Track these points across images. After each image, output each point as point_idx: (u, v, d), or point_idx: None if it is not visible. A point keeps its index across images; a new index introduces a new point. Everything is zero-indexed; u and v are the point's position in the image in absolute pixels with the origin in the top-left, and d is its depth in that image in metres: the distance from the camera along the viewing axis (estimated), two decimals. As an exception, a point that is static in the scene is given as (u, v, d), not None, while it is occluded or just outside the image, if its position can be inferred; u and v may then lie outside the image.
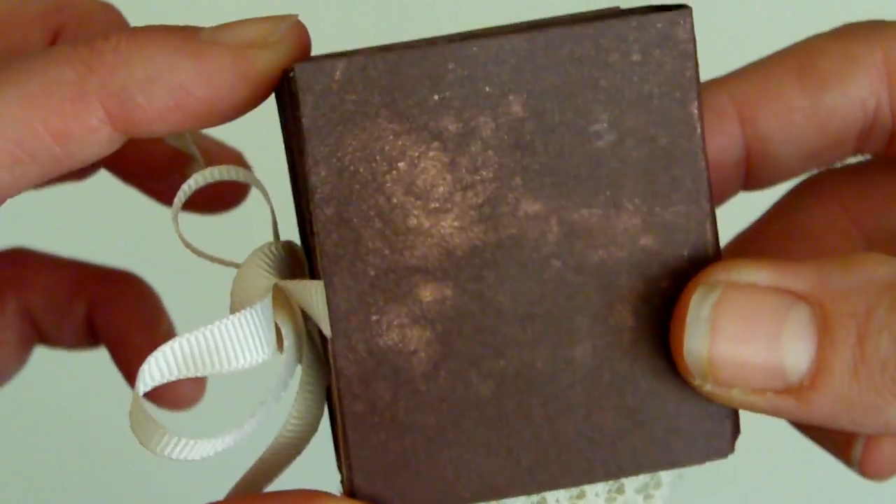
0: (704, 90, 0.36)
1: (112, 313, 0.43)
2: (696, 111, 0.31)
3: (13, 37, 0.37)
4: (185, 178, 0.35)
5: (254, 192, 0.35)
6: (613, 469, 0.32)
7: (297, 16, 0.32)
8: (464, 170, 0.31)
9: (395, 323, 0.31)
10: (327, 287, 0.31)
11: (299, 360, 0.33)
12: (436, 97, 0.31)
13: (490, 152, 0.31)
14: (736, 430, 0.32)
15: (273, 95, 0.32)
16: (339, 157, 0.31)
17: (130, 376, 0.43)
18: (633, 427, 0.32)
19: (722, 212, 0.37)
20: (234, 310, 0.32)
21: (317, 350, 0.33)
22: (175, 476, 0.73)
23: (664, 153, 0.31)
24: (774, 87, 0.36)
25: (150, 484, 0.76)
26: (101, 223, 0.69)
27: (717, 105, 0.37)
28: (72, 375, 0.72)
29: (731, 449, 0.32)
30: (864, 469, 0.37)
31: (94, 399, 0.74)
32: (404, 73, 0.31)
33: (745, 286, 0.31)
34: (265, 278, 0.32)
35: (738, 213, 0.39)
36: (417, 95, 0.31)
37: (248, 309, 0.31)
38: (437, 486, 0.31)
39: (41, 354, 0.46)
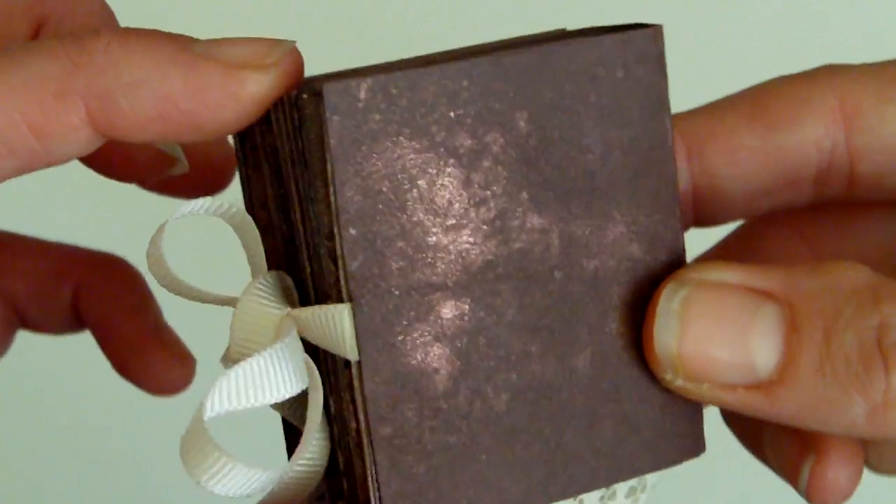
0: None
1: (98, 298, 0.43)
2: (668, 123, 0.33)
3: None
4: (167, 177, 0.36)
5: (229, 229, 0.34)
6: (613, 475, 0.33)
7: (294, 42, 0.31)
8: (477, 185, 0.31)
9: (418, 342, 0.31)
10: (355, 309, 0.30)
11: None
12: (452, 114, 0.31)
13: (500, 168, 0.31)
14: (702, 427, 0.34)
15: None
16: (363, 176, 0.30)
17: (118, 363, 0.43)
18: (629, 433, 0.33)
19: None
20: (236, 343, 0.32)
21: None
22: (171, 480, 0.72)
23: (644, 164, 0.32)
24: (723, 125, 0.37)
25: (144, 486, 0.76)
26: (88, 208, 0.68)
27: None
28: (61, 366, 0.72)
29: (704, 449, 0.34)
30: (810, 496, 0.37)
31: (80, 391, 0.74)
32: (424, 90, 0.30)
33: (715, 284, 0.31)
34: (272, 309, 0.32)
35: (698, 241, 0.40)
36: (436, 113, 0.31)
37: (281, 342, 0.31)
38: (465, 494, 0.32)
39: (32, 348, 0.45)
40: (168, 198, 0.41)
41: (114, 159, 0.38)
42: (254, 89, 0.30)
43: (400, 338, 0.31)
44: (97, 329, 0.43)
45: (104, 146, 0.32)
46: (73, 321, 0.43)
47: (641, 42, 0.32)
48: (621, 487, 0.33)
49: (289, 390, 0.31)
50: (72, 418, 0.76)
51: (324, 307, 0.31)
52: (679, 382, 0.32)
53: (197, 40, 0.31)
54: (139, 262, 0.43)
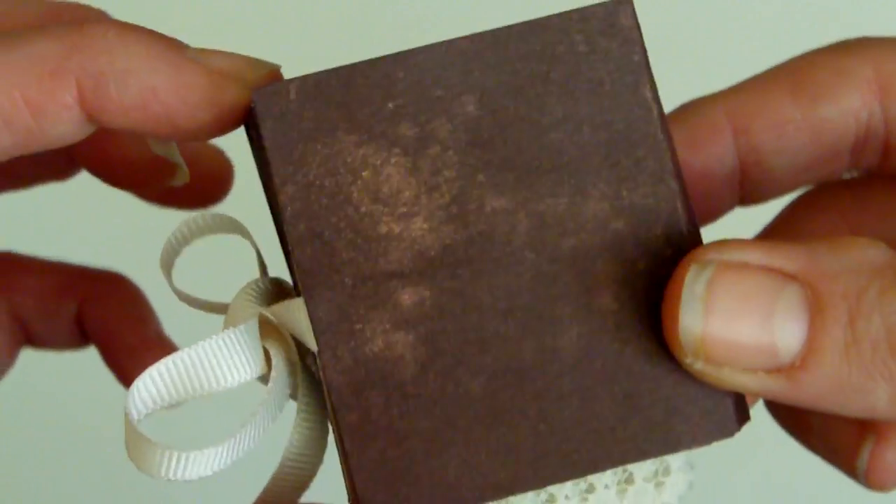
0: (699, 105, 0.37)
1: (102, 313, 0.44)
2: (648, 94, 0.32)
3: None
4: (169, 185, 0.37)
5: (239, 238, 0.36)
6: (616, 457, 0.32)
7: (279, 66, 0.33)
8: (427, 172, 0.32)
9: (378, 330, 0.31)
10: (307, 301, 0.31)
11: (292, 390, 0.33)
12: (390, 105, 0.31)
13: (450, 153, 0.32)
14: (740, 409, 0.32)
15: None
16: (304, 173, 0.31)
17: (122, 375, 0.44)
18: (631, 412, 0.32)
19: (726, 226, 0.38)
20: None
21: (314, 380, 0.34)
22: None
23: (622, 137, 0.32)
24: (767, 99, 0.37)
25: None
26: (86, 226, 0.69)
27: (711, 118, 0.37)
28: (65, 379, 0.72)
29: (737, 427, 0.32)
30: (870, 479, 0.37)
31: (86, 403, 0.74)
32: (356, 84, 0.31)
33: (737, 265, 0.31)
34: (252, 307, 0.33)
35: (745, 227, 0.40)
36: (372, 105, 0.31)
37: (233, 329, 0.32)
38: (440, 489, 0.31)
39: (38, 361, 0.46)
40: (166, 210, 0.42)
41: (115, 163, 0.39)
42: (230, 98, 0.32)
43: (358, 326, 0.31)
44: (101, 342, 0.44)
45: (106, 148, 0.34)
46: (78, 336, 0.45)
47: (604, 16, 0.32)
48: (638, 470, 0.33)
49: (235, 378, 0.32)
50: (74, 424, 0.76)
51: (286, 301, 0.32)
52: (699, 366, 0.31)
53: (188, 46, 0.33)
54: (138, 277, 0.45)
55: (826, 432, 0.37)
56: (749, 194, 0.38)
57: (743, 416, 0.32)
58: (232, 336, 0.32)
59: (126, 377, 0.44)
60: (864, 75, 0.36)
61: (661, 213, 0.32)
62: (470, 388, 0.31)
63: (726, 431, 0.32)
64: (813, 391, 0.31)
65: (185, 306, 0.36)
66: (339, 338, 0.31)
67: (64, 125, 0.32)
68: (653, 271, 0.32)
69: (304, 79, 0.31)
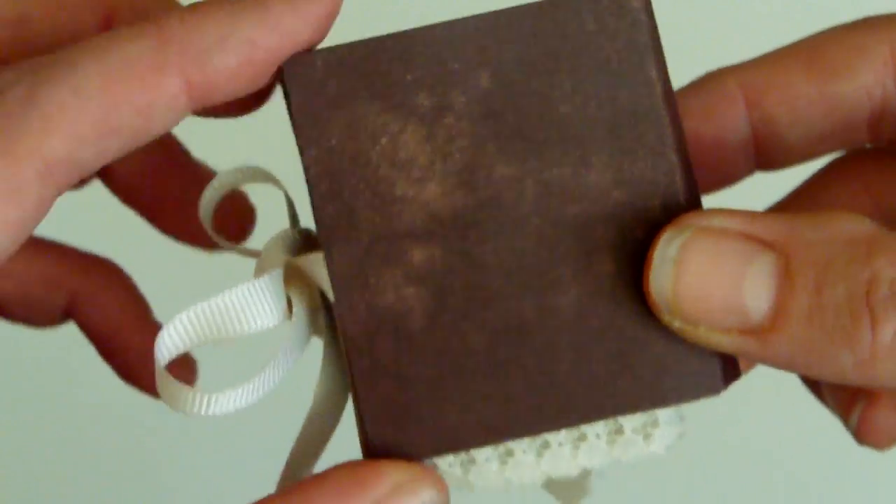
0: (714, 76, 0.39)
1: (98, 309, 0.43)
2: (653, 73, 0.34)
3: (62, 17, 0.38)
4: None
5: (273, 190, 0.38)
6: (608, 409, 0.34)
7: None
8: (441, 140, 0.34)
9: (390, 283, 0.34)
10: (326, 256, 0.34)
11: (317, 334, 0.36)
12: (409, 77, 0.34)
13: (463, 123, 0.34)
14: (728, 369, 0.34)
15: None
16: (327, 137, 0.34)
17: (123, 370, 0.44)
18: (622, 369, 0.34)
19: (749, 193, 0.40)
20: None
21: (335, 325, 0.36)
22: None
23: (626, 113, 0.34)
24: (782, 74, 0.38)
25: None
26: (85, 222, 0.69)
27: (725, 89, 0.38)
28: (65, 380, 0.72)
29: (723, 386, 0.34)
30: (860, 437, 0.38)
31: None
32: (378, 57, 0.34)
33: (715, 230, 0.32)
34: (280, 256, 0.35)
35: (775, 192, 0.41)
36: (392, 77, 0.34)
37: (258, 278, 0.34)
38: (442, 430, 0.34)
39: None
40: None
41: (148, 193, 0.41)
42: (318, 8, 0.33)
43: (373, 280, 0.34)
44: (97, 339, 0.44)
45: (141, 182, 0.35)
46: (59, 319, 0.43)
47: (605, 14, 0.34)
48: (628, 423, 0.34)
49: (258, 324, 0.34)
50: (72, 416, 0.77)
51: (310, 255, 0.34)
52: (677, 324, 0.32)
53: None
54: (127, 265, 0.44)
55: (831, 386, 0.39)
56: (765, 161, 0.39)
57: (729, 377, 0.34)
58: (258, 284, 0.34)
59: (128, 373, 0.43)
60: (880, 52, 0.37)
61: (659, 184, 0.34)
62: (473, 340, 0.34)
63: (712, 389, 0.34)
64: (782, 353, 0.32)
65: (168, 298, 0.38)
66: (355, 290, 0.34)
67: (170, 116, 0.33)
68: (649, 240, 0.34)
69: (331, 50, 0.34)
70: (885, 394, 0.38)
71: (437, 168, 0.34)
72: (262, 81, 0.34)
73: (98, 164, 0.33)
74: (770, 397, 0.48)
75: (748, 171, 0.40)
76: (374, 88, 0.34)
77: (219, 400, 0.33)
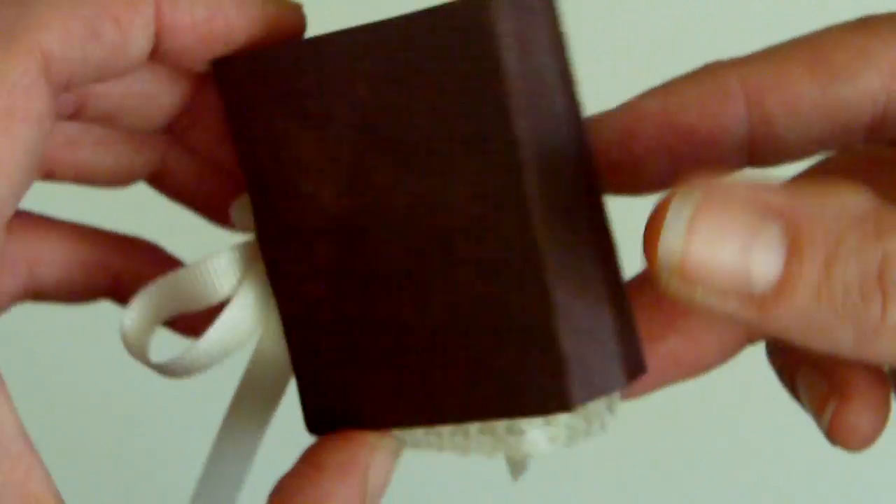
0: (714, 69, 0.38)
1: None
2: (504, 89, 0.33)
3: None
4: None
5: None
6: (472, 413, 0.35)
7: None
8: (331, 146, 0.35)
9: (305, 276, 0.36)
10: (259, 243, 0.37)
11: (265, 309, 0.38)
12: (301, 85, 0.35)
13: (347, 131, 0.35)
14: (580, 386, 0.34)
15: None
16: (250, 135, 0.37)
17: (183, 330, 0.44)
18: (480, 378, 0.34)
19: None
20: None
21: None
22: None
23: (477, 131, 0.33)
24: (784, 73, 0.37)
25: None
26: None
27: (725, 84, 0.37)
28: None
29: (577, 400, 0.34)
30: (831, 434, 0.38)
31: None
32: (282, 64, 0.36)
33: (728, 195, 0.32)
34: (247, 235, 0.38)
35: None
36: (291, 84, 0.36)
37: (212, 255, 0.37)
38: (350, 412, 0.36)
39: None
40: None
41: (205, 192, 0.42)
42: (287, 18, 0.37)
43: (292, 268, 0.36)
44: None
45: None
46: (99, 299, 0.43)
47: (464, 13, 0.33)
48: (499, 426, 0.35)
49: (206, 298, 0.37)
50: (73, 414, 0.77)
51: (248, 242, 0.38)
52: (674, 284, 0.32)
53: None
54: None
55: (805, 384, 0.39)
56: (757, 158, 0.38)
57: (579, 396, 0.34)
58: (211, 260, 0.37)
59: (184, 330, 0.43)
60: (887, 57, 0.36)
61: (510, 202, 0.33)
62: (369, 338, 0.36)
63: (560, 406, 0.34)
64: (780, 322, 0.32)
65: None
66: (281, 277, 0.37)
67: (142, 42, 0.35)
68: (501, 256, 0.33)
69: (253, 55, 0.36)
70: (858, 394, 0.37)
71: (329, 172, 0.35)
72: (211, 50, 0.36)
73: (78, 74, 0.35)
74: (770, 398, 0.47)
75: (738, 167, 0.39)
76: (279, 94, 0.36)
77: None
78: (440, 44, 0.33)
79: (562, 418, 0.35)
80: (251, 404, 0.39)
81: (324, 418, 0.37)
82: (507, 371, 0.34)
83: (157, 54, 0.36)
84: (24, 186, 0.34)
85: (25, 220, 0.40)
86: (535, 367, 0.34)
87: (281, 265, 0.36)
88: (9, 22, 0.34)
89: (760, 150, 0.38)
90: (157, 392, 0.71)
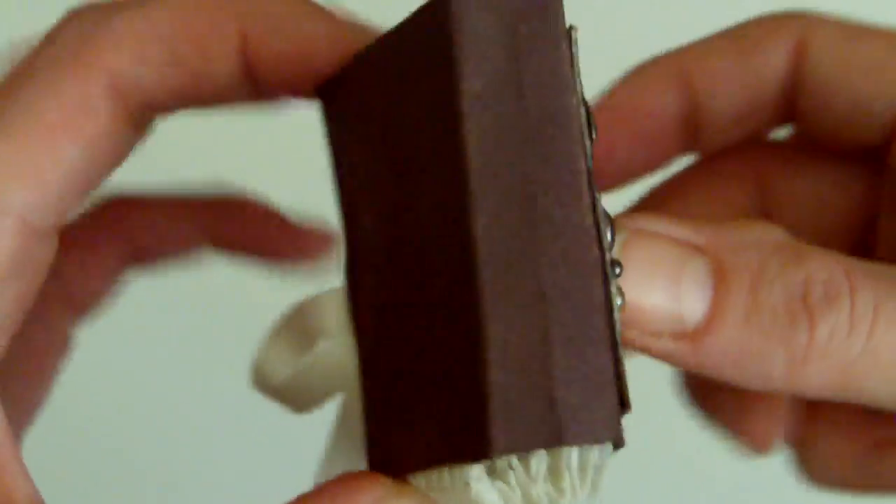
0: (654, 58, 0.39)
1: (243, 241, 0.43)
2: (454, 107, 0.30)
3: (206, 50, 0.35)
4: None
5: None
6: (422, 462, 0.32)
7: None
8: (370, 166, 0.33)
9: (360, 315, 0.34)
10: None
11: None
12: (351, 105, 0.34)
13: (375, 146, 0.33)
14: (503, 431, 0.29)
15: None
16: (348, 162, 0.35)
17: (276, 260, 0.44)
18: (429, 417, 0.31)
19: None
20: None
21: None
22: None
23: (436, 146, 0.31)
24: (710, 50, 0.38)
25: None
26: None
27: (660, 67, 0.39)
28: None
29: (489, 452, 0.29)
30: (739, 438, 0.39)
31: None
32: (348, 87, 0.34)
33: (649, 233, 0.32)
34: None
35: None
36: (351, 106, 0.34)
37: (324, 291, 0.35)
38: (390, 455, 0.33)
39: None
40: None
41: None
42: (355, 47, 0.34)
43: (354, 311, 0.35)
44: (251, 254, 0.44)
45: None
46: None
47: (431, 15, 0.31)
48: (445, 477, 0.31)
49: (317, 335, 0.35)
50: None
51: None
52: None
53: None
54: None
55: (722, 404, 0.40)
56: (695, 142, 0.39)
57: (500, 443, 0.29)
58: (321, 297, 0.35)
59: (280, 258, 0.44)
60: (795, 34, 0.37)
61: (453, 212, 0.30)
62: (393, 380, 0.33)
63: (478, 455, 0.29)
64: (714, 357, 0.32)
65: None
66: (354, 318, 0.35)
67: (225, 69, 0.34)
68: (448, 284, 0.31)
69: (338, 79, 0.34)
70: (760, 398, 0.38)
71: (369, 197, 0.34)
72: (299, 76, 0.34)
73: (158, 98, 0.33)
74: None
75: (679, 152, 0.40)
76: (343, 117, 0.34)
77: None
78: (417, 48, 0.31)
79: (511, 475, 0.30)
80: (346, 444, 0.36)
81: (377, 456, 0.34)
82: (437, 413, 0.31)
83: (246, 83, 0.34)
84: (67, 201, 0.33)
85: (114, 206, 0.41)
86: (456, 413, 0.30)
87: (351, 304, 0.34)
88: (83, 38, 0.33)
89: (695, 131, 0.39)
90: (157, 392, 0.71)
